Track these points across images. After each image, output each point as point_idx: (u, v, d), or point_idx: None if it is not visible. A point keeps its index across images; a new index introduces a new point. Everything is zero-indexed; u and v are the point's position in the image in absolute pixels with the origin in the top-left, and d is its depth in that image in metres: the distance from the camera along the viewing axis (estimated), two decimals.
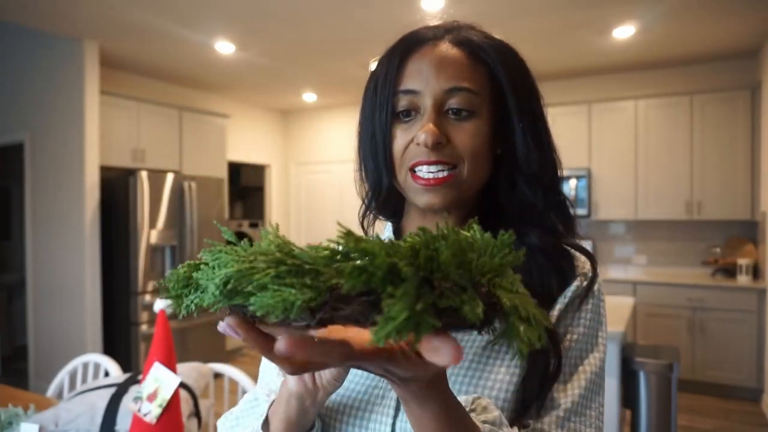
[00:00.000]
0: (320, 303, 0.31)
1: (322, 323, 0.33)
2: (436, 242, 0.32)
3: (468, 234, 0.37)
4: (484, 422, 0.50)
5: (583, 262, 0.64)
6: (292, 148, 6.56)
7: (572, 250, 0.64)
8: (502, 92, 0.62)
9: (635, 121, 4.40)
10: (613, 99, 4.49)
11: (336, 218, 6.22)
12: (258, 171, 6.59)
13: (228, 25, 3.53)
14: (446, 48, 0.62)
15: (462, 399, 0.51)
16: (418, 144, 0.59)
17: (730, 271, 4.11)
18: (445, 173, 0.59)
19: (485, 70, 0.62)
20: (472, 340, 0.60)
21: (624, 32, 3.67)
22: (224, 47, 3.96)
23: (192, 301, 0.38)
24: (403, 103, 0.61)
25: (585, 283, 0.62)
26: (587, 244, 4.73)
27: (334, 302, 0.31)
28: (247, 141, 6.00)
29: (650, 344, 3.27)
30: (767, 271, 3.75)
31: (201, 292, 0.36)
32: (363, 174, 0.69)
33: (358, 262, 0.30)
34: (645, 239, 4.65)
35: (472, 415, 0.50)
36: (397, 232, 0.71)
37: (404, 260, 0.30)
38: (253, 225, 6.64)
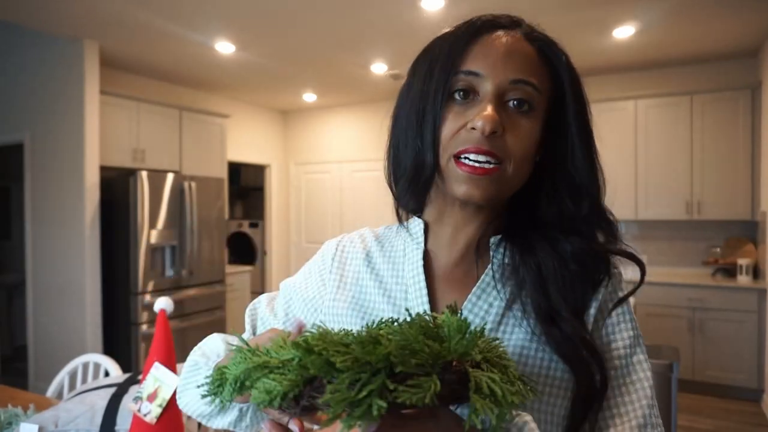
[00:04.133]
0: (299, 392, 0.37)
1: (307, 410, 0.39)
2: (382, 338, 0.38)
3: (441, 319, 0.43)
4: None
5: (614, 268, 0.62)
6: (292, 148, 6.56)
7: (611, 257, 0.62)
8: (562, 98, 0.60)
9: (635, 121, 4.40)
10: (613, 99, 4.49)
11: (336, 218, 6.24)
12: (258, 171, 6.60)
13: (228, 25, 3.53)
14: (519, 39, 0.60)
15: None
16: (473, 129, 0.56)
17: (730, 271, 4.11)
18: (491, 165, 0.56)
19: (550, 72, 0.60)
20: (528, 365, 0.58)
21: (624, 32, 3.67)
22: (224, 47, 3.96)
23: (224, 397, 0.47)
24: (461, 84, 0.58)
25: (609, 291, 0.61)
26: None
27: (312, 392, 0.37)
28: (247, 141, 6.00)
29: (650, 344, 3.27)
30: (767, 271, 3.75)
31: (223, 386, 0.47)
32: (396, 157, 0.65)
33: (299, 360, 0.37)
34: (645, 239, 4.64)
35: None
36: (427, 230, 0.67)
37: (340, 355, 0.36)
38: (253, 225, 6.64)
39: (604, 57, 4.28)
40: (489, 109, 0.55)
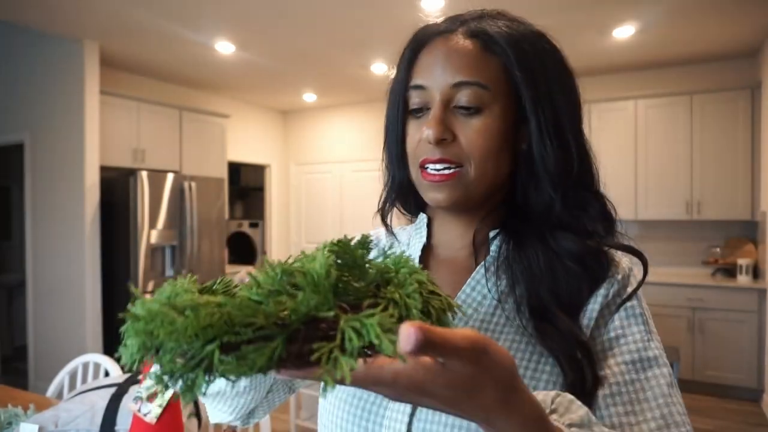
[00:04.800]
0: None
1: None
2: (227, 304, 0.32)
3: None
4: (570, 425, 0.43)
5: (618, 264, 0.60)
6: (292, 148, 6.56)
7: (614, 252, 0.61)
8: (516, 82, 0.58)
9: (635, 121, 4.39)
10: (613, 99, 4.49)
11: (336, 218, 6.24)
12: (258, 171, 6.59)
13: (228, 25, 3.53)
14: (457, 40, 0.59)
15: (540, 396, 0.46)
16: (424, 140, 0.58)
17: (730, 271, 4.11)
18: (450, 171, 0.57)
19: (499, 63, 0.58)
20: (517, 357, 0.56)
21: (624, 32, 3.67)
22: (224, 47, 3.96)
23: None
24: (415, 100, 0.60)
25: (615, 287, 0.58)
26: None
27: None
28: (247, 141, 6.00)
29: None
30: (767, 271, 3.75)
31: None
32: (384, 167, 0.70)
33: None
34: (645, 239, 4.64)
35: (554, 416, 0.44)
36: (430, 225, 0.70)
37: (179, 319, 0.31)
38: (253, 225, 6.64)
39: (604, 57, 4.28)
40: (432, 120, 0.57)
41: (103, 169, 4.01)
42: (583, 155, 0.62)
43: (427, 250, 0.68)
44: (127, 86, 4.56)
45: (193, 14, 3.33)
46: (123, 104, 4.21)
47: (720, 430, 3.38)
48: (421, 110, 0.60)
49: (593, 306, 0.58)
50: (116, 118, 4.15)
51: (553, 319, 0.55)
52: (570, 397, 0.46)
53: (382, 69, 4.58)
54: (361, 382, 0.33)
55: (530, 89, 0.58)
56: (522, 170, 0.61)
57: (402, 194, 0.69)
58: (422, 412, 0.55)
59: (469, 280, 0.62)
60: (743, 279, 3.95)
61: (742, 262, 3.98)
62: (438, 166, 0.58)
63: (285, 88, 5.40)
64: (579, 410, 0.45)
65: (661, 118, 4.31)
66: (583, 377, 0.53)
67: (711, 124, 4.14)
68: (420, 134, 0.59)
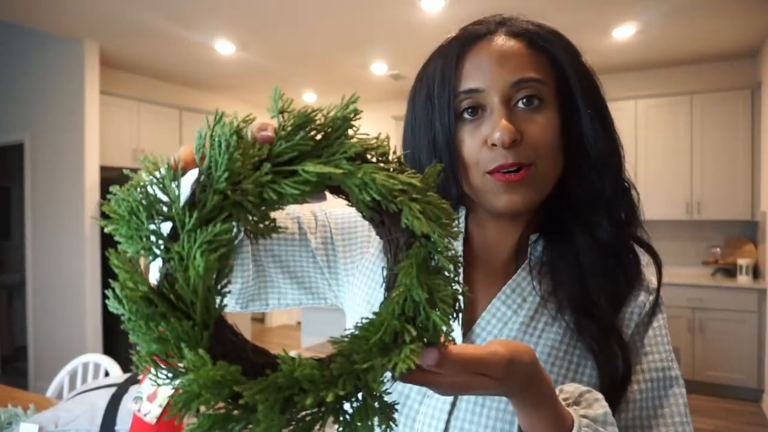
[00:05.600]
0: None
1: None
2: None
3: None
4: (584, 416, 0.47)
5: (646, 268, 0.62)
6: None
7: (636, 247, 0.63)
8: (566, 79, 0.59)
9: (635, 121, 4.39)
10: (613, 99, 4.48)
11: None
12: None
13: (228, 25, 3.53)
14: (503, 41, 0.59)
15: (571, 388, 0.50)
16: (493, 145, 0.56)
17: (730, 271, 4.11)
18: (522, 169, 0.56)
19: (546, 59, 0.59)
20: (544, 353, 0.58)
21: (624, 32, 3.67)
22: (224, 47, 3.96)
23: None
24: (466, 103, 0.58)
25: (652, 297, 0.61)
26: None
27: None
28: None
29: None
30: (767, 271, 3.75)
31: None
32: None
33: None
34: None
35: (575, 408, 0.48)
36: (467, 240, 0.66)
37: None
38: None
39: (604, 57, 4.28)
40: (502, 121, 0.55)
41: (103, 169, 4.01)
42: (619, 142, 0.63)
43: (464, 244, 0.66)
44: (127, 86, 4.55)
45: (193, 14, 3.33)
46: (123, 104, 4.20)
47: (720, 430, 3.38)
48: (476, 112, 0.58)
49: (631, 316, 0.60)
50: (116, 118, 4.15)
51: (595, 313, 0.57)
52: (598, 395, 0.49)
53: (382, 69, 4.57)
54: (413, 382, 0.38)
55: (579, 81, 0.59)
56: (575, 162, 0.60)
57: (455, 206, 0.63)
58: (460, 411, 0.56)
59: (510, 281, 0.61)
60: (743, 279, 3.95)
61: (742, 262, 3.98)
62: (512, 168, 0.56)
63: (285, 88, 5.40)
64: (600, 409, 0.48)
65: (661, 118, 4.31)
66: (615, 369, 0.55)
67: (711, 124, 4.14)
68: (480, 139, 0.57)
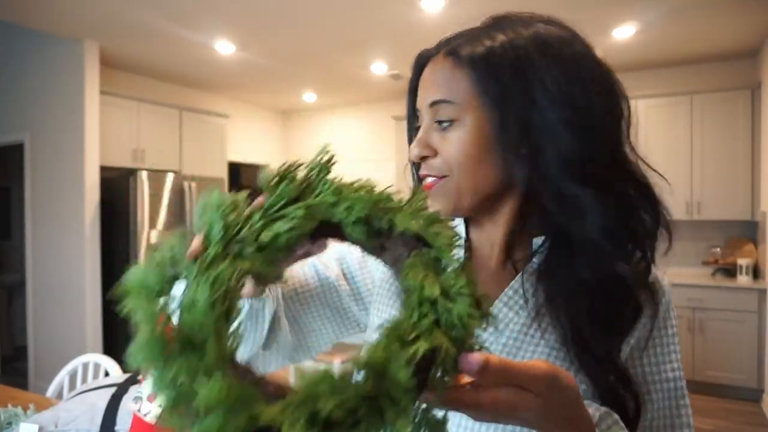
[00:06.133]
0: None
1: None
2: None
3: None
4: None
5: (660, 284, 0.63)
6: (292, 148, 6.56)
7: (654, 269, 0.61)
8: (502, 94, 0.57)
9: (635, 121, 4.39)
10: None
11: None
12: (258, 171, 6.58)
13: (228, 25, 3.53)
14: (436, 62, 0.62)
15: (591, 410, 0.47)
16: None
17: (730, 271, 4.11)
18: (431, 180, 0.62)
19: (469, 78, 0.58)
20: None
21: (624, 32, 3.67)
22: (224, 47, 3.96)
23: None
24: (417, 122, 0.65)
25: (663, 309, 0.62)
26: None
27: None
28: (247, 141, 6.00)
29: None
30: (767, 271, 3.75)
31: None
32: None
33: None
34: None
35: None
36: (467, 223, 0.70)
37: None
38: None
39: (604, 57, 4.28)
40: (416, 139, 0.62)
41: (103, 169, 4.01)
42: (605, 147, 0.58)
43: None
44: (127, 86, 4.56)
45: (193, 14, 3.33)
46: (123, 104, 4.20)
47: (720, 430, 3.38)
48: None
49: (642, 330, 0.59)
50: (116, 118, 4.15)
51: (591, 344, 0.54)
52: (616, 417, 0.50)
53: (382, 69, 4.57)
54: (450, 405, 0.37)
55: (497, 100, 0.57)
56: (530, 171, 0.57)
57: None
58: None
59: (512, 282, 0.60)
60: (743, 279, 3.95)
61: (742, 262, 3.98)
62: (427, 180, 0.62)
63: (285, 88, 5.40)
64: None
65: (661, 118, 4.31)
66: (623, 406, 0.53)
67: (711, 124, 4.14)
68: None
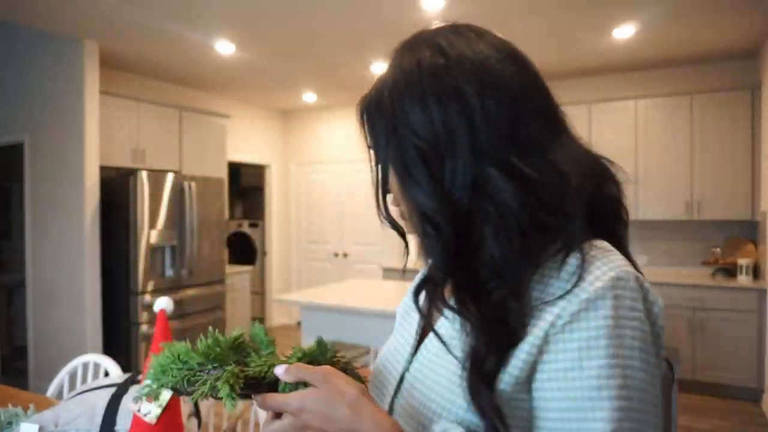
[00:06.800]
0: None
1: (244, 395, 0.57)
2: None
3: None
4: None
5: (593, 279, 0.51)
6: (292, 148, 6.56)
7: (599, 261, 0.52)
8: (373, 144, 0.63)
9: (635, 121, 4.40)
10: (613, 99, 4.49)
11: (336, 218, 6.23)
12: (258, 171, 6.59)
13: (228, 25, 3.53)
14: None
15: (447, 424, 0.53)
16: None
17: (730, 271, 4.11)
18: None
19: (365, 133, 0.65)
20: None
21: (624, 32, 3.67)
22: (224, 47, 3.96)
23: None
24: None
25: (572, 308, 0.49)
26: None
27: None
28: (247, 141, 6.00)
29: None
30: (767, 271, 3.75)
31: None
32: None
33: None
34: (645, 239, 4.64)
35: None
36: None
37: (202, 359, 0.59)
38: (253, 225, 6.64)
39: (604, 57, 4.28)
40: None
41: (103, 169, 4.01)
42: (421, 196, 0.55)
43: None
44: (127, 86, 4.56)
45: (193, 14, 3.33)
46: (123, 104, 4.20)
47: (720, 430, 3.38)
48: None
49: (533, 338, 0.51)
50: (116, 118, 4.15)
51: (475, 363, 0.52)
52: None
53: (382, 69, 4.57)
54: (265, 407, 0.54)
55: (375, 143, 0.60)
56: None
57: None
58: (406, 393, 0.61)
59: (437, 323, 0.60)
60: (743, 279, 3.95)
61: (742, 262, 3.98)
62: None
63: (285, 88, 5.40)
64: None
65: (661, 118, 4.31)
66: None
67: (711, 124, 4.14)
68: None
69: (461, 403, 0.53)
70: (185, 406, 1.41)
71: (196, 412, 1.48)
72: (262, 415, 0.81)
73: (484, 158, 0.53)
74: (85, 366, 2.08)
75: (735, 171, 4.07)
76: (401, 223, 0.62)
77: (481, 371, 0.51)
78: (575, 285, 0.50)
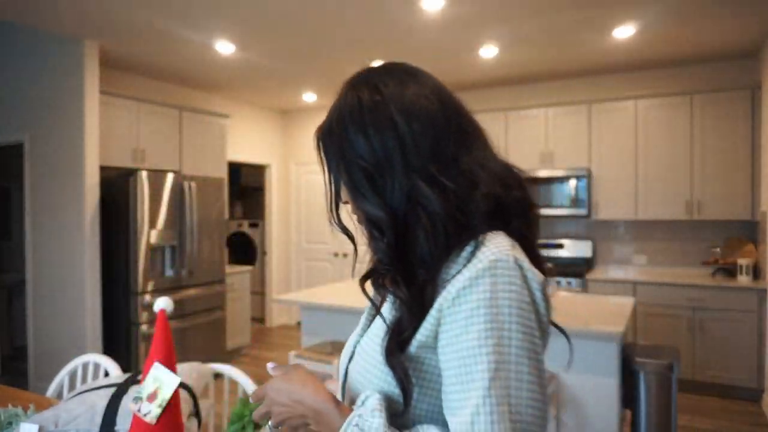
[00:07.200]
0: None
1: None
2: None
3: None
4: (360, 413, 0.65)
5: (481, 259, 0.63)
6: (292, 148, 6.56)
7: (487, 245, 0.64)
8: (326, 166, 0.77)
9: (635, 121, 4.40)
10: (613, 99, 4.49)
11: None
12: (258, 171, 6.59)
13: (228, 25, 3.53)
14: None
15: (368, 392, 0.68)
16: None
17: (730, 271, 4.11)
18: None
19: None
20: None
21: (624, 32, 3.67)
22: (224, 47, 3.96)
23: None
24: None
25: (459, 285, 0.62)
26: (586, 245, 4.72)
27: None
28: (247, 141, 6.00)
29: (650, 344, 3.27)
30: (767, 271, 3.75)
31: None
32: None
33: None
34: (645, 239, 4.64)
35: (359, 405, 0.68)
36: None
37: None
38: (253, 225, 6.64)
39: (604, 57, 4.28)
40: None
41: (103, 169, 4.01)
42: (366, 206, 0.70)
43: None
44: (127, 86, 4.56)
45: (193, 14, 3.33)
46: (123, 104, 4.21)
47: (720, 430, 3.38)
48: None
49: (435, 311, 0.64)
50: (116, 118, 4.15)
51: (390, 338, 0.68)
52: (378, 398, 0.66)
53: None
54: (254, 399, 0.77)
55: (328, 165, 0.75)
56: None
57: None
58: (355, 359, 0.77)
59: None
60: (743, 279, 3.95)
61: (742, 262, 3.98)
62: None
63: (285, 88, 5.40)
64: (375, 415, 0.64)
65: (661, 118, 4.32)
66: (404, 392, 0.66)
67: (711, 124, 4.14)
68: None
69: (380, 369, 0.69)
70: (185, 406, 1.41)
71: (196, 412, 1.48)
72: None
73: (414, 174, 0.67)
74: (85, 366, 2.08)
75: (735, 171, 4.07)
76: (350, 228, 0.77)
77: (400, 337, 0.66)
78: (464, 267, 0.63)
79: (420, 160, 0.67)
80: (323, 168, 0.75)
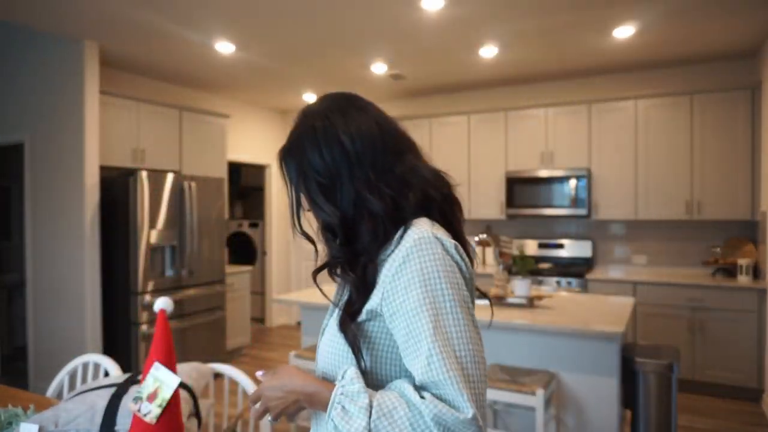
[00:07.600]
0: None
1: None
2: None
3: None
4: (342, 391, 0.76)
5: (408, 240, 0.80)
6: None
7: (413, 231, 0.80)
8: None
9: (635, 121, 4.40)
10: (613, 99, 4.49)
11: None
12: (258, 171, 6.59)
13: (228, 25, 3.53)
14: None
15: (345, 367, 0.81)
16: None
17: (730, 271, 4.11)
18: None
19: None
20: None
21: (624, 32, 3.67)
22: (224, 47, 3.96)
23: None
24: None
25: (397, 262, 0.78)
26: (586, 245, 4.72)
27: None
28: (247, 141, 6.00)
29: (650, 344, 3.27)
30: (767, 271, 3.75)
31: None
32: None
33: None
34: (645, 239, 4.64)
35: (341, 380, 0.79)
36: None
37: None
38: (253, 225, 6.63)
39: (604, 57, 4.28)
40: None
41: (103, 169, 4.01)
42: (322, 209, 0.87)
43: None
44: (127, 86, 4.56)
45: (193, 14, 3.33)
46: (123, 104, 4.21)
47: (720, 430, 3.38)
48: None
49: (380, 286, 0.80)
50: (116, 118, 4.15)
51: (343, 311, 0.85)
52: (354, 370, 0.79)
53: (382, 69, 4.57)
54: (251, 401, 0.88)
55: (290, 179, 0.91)
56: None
57: None
58: (324, 336, 0.91)
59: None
60: (743, 279, 3.95)
61: (742, 262, 3.98)
62: None
63: (285, 88, 5.40)
64: (354, 383, 0.77)
65: (661, 118, 4.32)
66: (354, 352, 0.82)
67: (711, 124, 4.14)
68: None
69: (338, 339, 0.84)
70: (185, 406, 1.41)
71: (196, 412, 1.48)
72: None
73: (358, 182, 0.83)
74: (85, 366, 2.08)
75: (735, 171, 4.07)
76: (311, 233, 0.93)
77: (351, 310, 0.83)
78: (396, 247, 0.80)
79: (362, 172, 0.83)
80: (286, 184, 0.91)
